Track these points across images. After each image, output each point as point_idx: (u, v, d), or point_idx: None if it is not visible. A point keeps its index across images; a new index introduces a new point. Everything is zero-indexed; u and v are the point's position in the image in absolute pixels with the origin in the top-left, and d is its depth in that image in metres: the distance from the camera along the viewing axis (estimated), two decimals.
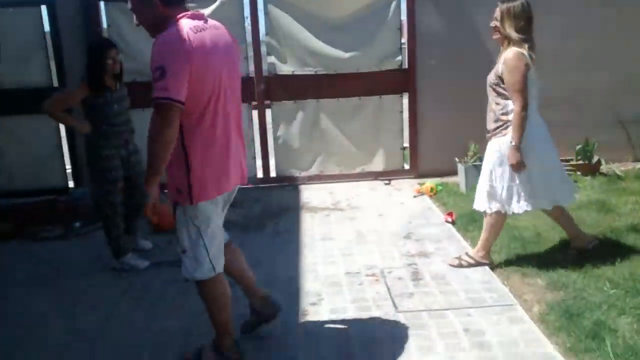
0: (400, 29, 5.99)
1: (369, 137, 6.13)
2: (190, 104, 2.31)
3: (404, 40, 6.08)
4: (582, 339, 2.74)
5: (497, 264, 3.68)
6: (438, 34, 5.92)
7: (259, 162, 6.19)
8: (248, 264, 2.95)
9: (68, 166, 6.05)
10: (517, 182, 3.47)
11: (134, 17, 2.46)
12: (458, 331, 2.92)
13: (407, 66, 6.04)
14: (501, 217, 3.61)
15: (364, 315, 3.16)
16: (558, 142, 5.58)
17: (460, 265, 3.70)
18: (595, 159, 5.69)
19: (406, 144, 6.24)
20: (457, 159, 5.56)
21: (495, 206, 3.54)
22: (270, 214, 5.12)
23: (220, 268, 2.61)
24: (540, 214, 4.64)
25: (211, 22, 2.47)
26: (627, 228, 4.12)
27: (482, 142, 5.51)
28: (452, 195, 5.31)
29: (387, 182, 6.08)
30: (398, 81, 6.03)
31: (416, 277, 3.62)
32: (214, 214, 2.54)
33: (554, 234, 4.09)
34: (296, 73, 5.98)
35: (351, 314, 3.18)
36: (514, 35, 3.36)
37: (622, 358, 2.58)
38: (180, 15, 2.37)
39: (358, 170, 6.21)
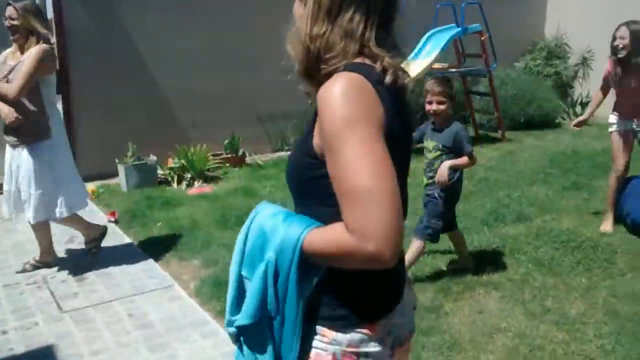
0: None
1: None
2: None
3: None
4: None
5: (158, 253, 4.04)
6: (89, 33, 5.93)
7: None
8: None
9: None
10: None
11: None
12: (123, 318, 3.18)
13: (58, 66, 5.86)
14: (48, 223, 3.78)
15: (27, 322, 3.14)
16: (209, 138, 6.31)
17: (25, 271, 3.78)
18: (241, 152, 6.55)
19: None
20: (117, 160, 5.71)
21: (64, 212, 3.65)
22: None
23: None
24: (200, 204, 5.20)
25: None
26: None
27: (139, 142, 5.84)
28: (115, 196, 5.47)
29: None
30: None
31: (81, 277, 3.72)
32: None
33: (208, 220, 4.67)
34: None
35: (13, 324, 3.13)
36: (43, 30, 3.52)
37: None
38: None
39: None
